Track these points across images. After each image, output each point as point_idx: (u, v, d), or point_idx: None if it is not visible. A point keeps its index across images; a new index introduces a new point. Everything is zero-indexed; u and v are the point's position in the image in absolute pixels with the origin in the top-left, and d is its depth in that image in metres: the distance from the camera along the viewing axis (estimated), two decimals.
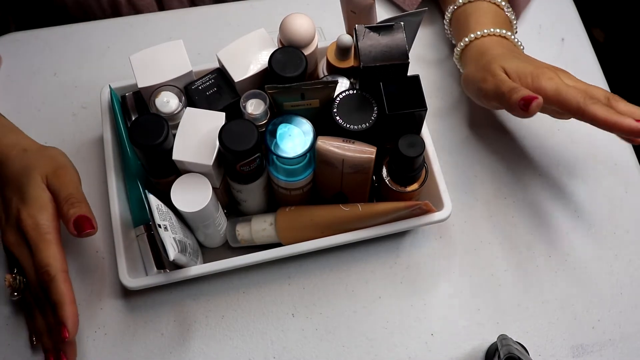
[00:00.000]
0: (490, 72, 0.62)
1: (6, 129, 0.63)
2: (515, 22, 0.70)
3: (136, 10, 0.80)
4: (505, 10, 0.69)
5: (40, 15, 0.83)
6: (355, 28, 0.55)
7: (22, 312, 0.60)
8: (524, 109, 0.56)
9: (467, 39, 0.67)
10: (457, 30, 0.71)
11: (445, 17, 0.72)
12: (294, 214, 0.61)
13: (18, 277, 0.57)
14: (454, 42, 0.72)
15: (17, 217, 0.56)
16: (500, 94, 0.59)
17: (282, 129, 0.54)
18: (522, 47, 0.68)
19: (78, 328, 0.55)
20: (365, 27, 0.55)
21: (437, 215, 0.60)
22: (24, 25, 0.77)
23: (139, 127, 0.53)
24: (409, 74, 0.56)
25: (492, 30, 0.66)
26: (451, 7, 0.71)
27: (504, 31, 0.66)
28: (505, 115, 0.72)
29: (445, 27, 0.73)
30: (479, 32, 0.66)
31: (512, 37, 0.67)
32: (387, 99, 0.54)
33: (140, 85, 0.58)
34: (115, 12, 0.79)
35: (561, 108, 0.57)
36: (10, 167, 0.59)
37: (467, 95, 0.69)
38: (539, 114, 0.65)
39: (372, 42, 0.54)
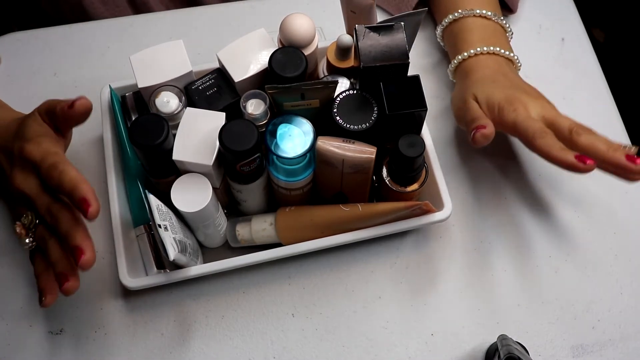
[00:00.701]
0: (463, 99, 0.63)
1: None
2: (507, 25, 0.69)
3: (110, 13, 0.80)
4: (495, 19, 0.68)
5: (26, 16, 0.83)
6: (355, 28, 0.55)
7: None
8: (472, 138, 0.58)
9: (455, 61, 0.67)
10: (449, 47, 0.71)
11: (437, 35, 0.72)
12: (294, 214, 0.61)
13: (29, 214, 0.53)
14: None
15: (20, 153, 0.54)
16: (465, 122, 0.62)
17: (282, 129, 0.54)
18: (515, 58, 0.67)
19: (98, 210, 0.51)
20: (365, 27, 0.55)
21: (437, 215, 0.60)
22: (24, 25, 0.77)
23: (139, 127, 0.53)
24: (409, 74, 0.56)
25: (478, 49, 0.65)
26: (440, 27, 0.71)
27: (492, 48, 0.65)
28: None
29: (440, 43, 0.74)
30: (465, 53, 0.66)
31: (502, 50, 0.66)
32: (387, 99, 0.54)
33: (140, 85, 0.58)
34: (83, 14, 0.79)
35: (520, 140, 0.59)
36: (3, 132, 0.58)
37: None
38: None
39: (372, 42, 0.54)
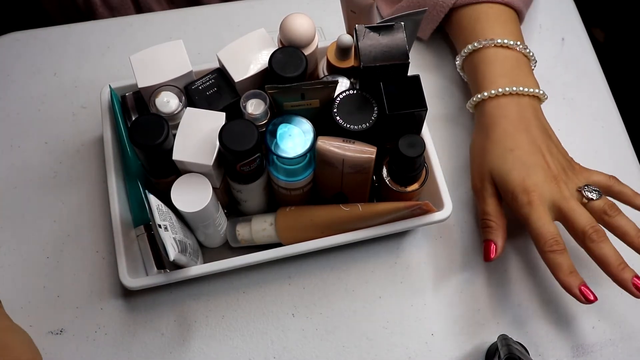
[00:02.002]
0: (480, 176, 0.63)
1: None
2: (531, 55, 0.66)
3: (112, 12, 0.80)
4: (518, 49, 0.65)
5: (24, 14, 0.83)
6: (355, 28, 0.55)
7: None
8: (483, 254, 0.60)
9: (474, 99, 0.64)
10: (469, 80, 0.68)
11: (457, 65, 0.69)
12: (294, 214, 0.61)
13: None
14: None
15: None
16: (478, 206, 0.63)
17: (282, 129, 0.54)
18: (541, 93, 0.64)
19: None
20: (366, 27, 0.55)
21: (437, 215, 0.60)
22: (24, 25, 0.77)
23: (139, 127, 0.53)
24: (409, 74, 0.56)
25: (500, 90, 0.62)
26: (459, 57, 0.68)
27: (514, 88, 0.62)
28: None
29: (460, 73, 0.70)
30: (486, 93, 0.63)
31: (525, 89, 0.62)
32: (387, 99, 0.54)
33: (140, 85, 0.58)
34: (90, 12, 0.79)
35: (531, 237, 0.59)
36: None
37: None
38: (546, 107, 0.65)
39: (372, 42, 0.54)
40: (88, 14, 0.80)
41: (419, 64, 0.75)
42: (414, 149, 0.54)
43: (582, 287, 0.56)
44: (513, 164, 0.60)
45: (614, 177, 0.62)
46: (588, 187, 0.60)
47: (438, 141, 0.69)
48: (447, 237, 0.66)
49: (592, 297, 0.56)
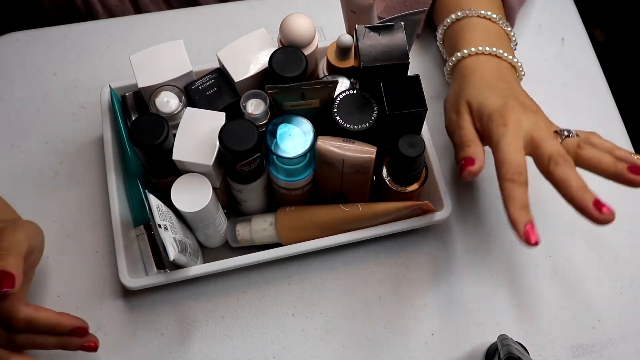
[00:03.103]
0: (457, 110, 0.59)
1: None
2: (512, 34, 0.65)
3: (111, 14, 0.80)
4: (500, 24, 0.64)
5: (24, 17, 0.83)
6: (355, 28, 0.55)
7: None
8: (460, 172, 0.55)
9: (454, 58, 0.63)
10: (448, 48, 0.67)
11: (438, 38, 0.68)
12: (294, 214, 0.61)
13: None
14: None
15: None
16: (454, 142, 0.58)
17: (282, 129, 0.54)
18: (519, 65, 0.63)
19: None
20: (366, 27, 0.55)
21: (437, 215, 0.60)
22: (24, 25, 0.77)
23: (139, 127, 0.54)
24: (409, 74, 0.56)
25: (479, 48, 0.61)
26: (441, 27, 0.67)
27: (495, 49, 0.61)
28: None
29: (440, 48, 0.69)
30: (465, 51, 0.62)
31: (506, 55, 0.61)
32: (387, 99, 0.54)
33: (140, 85, 0.58)
34: (89, 15, 0.79)
35: (495, 161, 0.54)
36: None
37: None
38: (546, 107, 0.64)
39: (372, 42, 0.54)
40: (88, 17, 0.80)
41: (419, 64, 0.75)
42: (414, 149, 0.54)
43: (528, 226, 0.51)
44: (492, 94, 0.57)
45: (596, 133, 0.58)
46: (567, 130, 0.57)
47: (438, 141, 0.69)
48: (447, 237, 0.66)
49: (533, 240, 0.50)
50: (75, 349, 0.54)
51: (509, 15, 0.72)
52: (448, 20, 0.66)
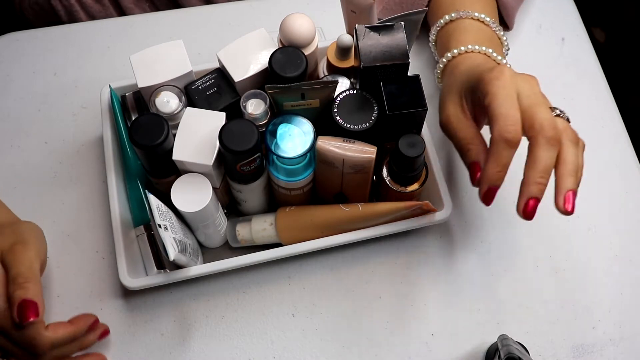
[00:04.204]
0: (452, 101, 0.57)
1: None
2: (505, 39, 0.65)
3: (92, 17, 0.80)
4: (492, 26, 0.64)
5: (5, 23, 0.83)
6: (355, 28, 0.55)
7: None
8: (471, 179, 0.53)
9: (444, 59, 0.62)
10: (439, 50, 0.66)
11: (430, 39, 0.68)
12: (294, 214, 0.61)
13: None
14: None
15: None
16: (456, 144, 0.56)
17: (282, 129, 0.54)
18: (507, 65, 0.58)
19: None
20: (366, 27, 0.55)
21: (437, 215, 0.60)
22: (24, 25, 0.77)
23: (139, 127, 0.53)
24: (409, 74, 0.56)
25: (469, 47, 0.60)
26: (434, 28, 0.66)
27: (484, 48, 0.60)
28: None
29: (432, 49, 0.69)
30: (455, 50, 0.61)
31: (496, 55, 0.60)
32: (387, 99, 0.54)
33: (140, 85, 0.58)
34: (72, 21, 0.79)
35: (489, 116, 0.51)
36: None
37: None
38: None
39: (372, 42, 0.54)
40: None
41: (419, 64, 0.75)
42: (414, 149, 0.54)
43: (493, 189, 0.50)
44: (485, 66, 0.55)
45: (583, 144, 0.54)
46: (560, 110, 0.55)
47: (438, 141, 0.69)
48: (447, 237, 0.66)
49: (488, 202, 0.50)
50: (93, 344, 0.57)
51: (508, 14, 0.72)
52: (441, 21, 0.65)
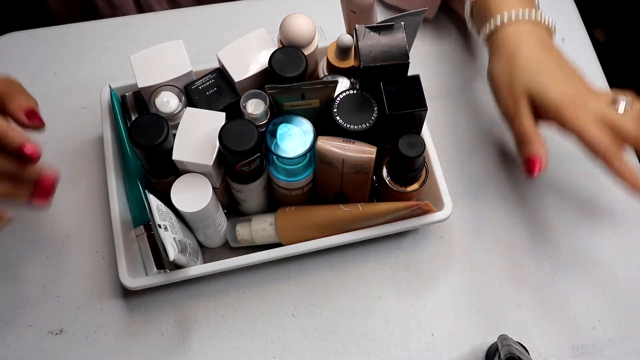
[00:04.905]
0: (513, 97, 0.60)
1: None
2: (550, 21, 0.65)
3: (114, 12, 0.79)
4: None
5: (33, 15, 0.83)
6: (355, 28, 0.55)
7: None
8: (526, 171, 0.57)
9: (491, 26, 0.63)
10: (479, 16, 0.66)
11: (466, 12, 0.68)
12: (294, 214, 0.61)
13: None
14: (474, 32, 0.68)
15: None
16: (514, 133, 0.60)
17: (282, 129, 0.54)
18: (552, 27, 0.64)
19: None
20: (366, 27, 0.55)
21: (437, 215, 0.60)
22: (24, 25, 0.77)
23: (139, 127, 0.53)
24: (409, 74, 0.56)
25: (518, 15, 0.61)
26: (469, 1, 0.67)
27: (532, 15, 0.61)
28: None
29: (467, 20, 0.69)
30: (504, 18, 0.61)
31: (539, 19, 0.62)
32: (387, 99, 0.54)
33: (140, 85, 0.58)
34: (91, 11, 0.79)
35: (582, 147, 0.57)
36: None
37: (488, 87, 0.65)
38: None
39: (372, 42, 0.54)
40: (90, 13, 0.80)
41: (419, 64, 0.75)
42: (414, 149, 0.54)
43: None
44: (550, 79, 0.59)
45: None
46: (622, 99, 0.59)
47: (438, 141, 0.69)
48: (447, 237, 0.66)
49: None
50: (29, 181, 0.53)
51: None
52: None
